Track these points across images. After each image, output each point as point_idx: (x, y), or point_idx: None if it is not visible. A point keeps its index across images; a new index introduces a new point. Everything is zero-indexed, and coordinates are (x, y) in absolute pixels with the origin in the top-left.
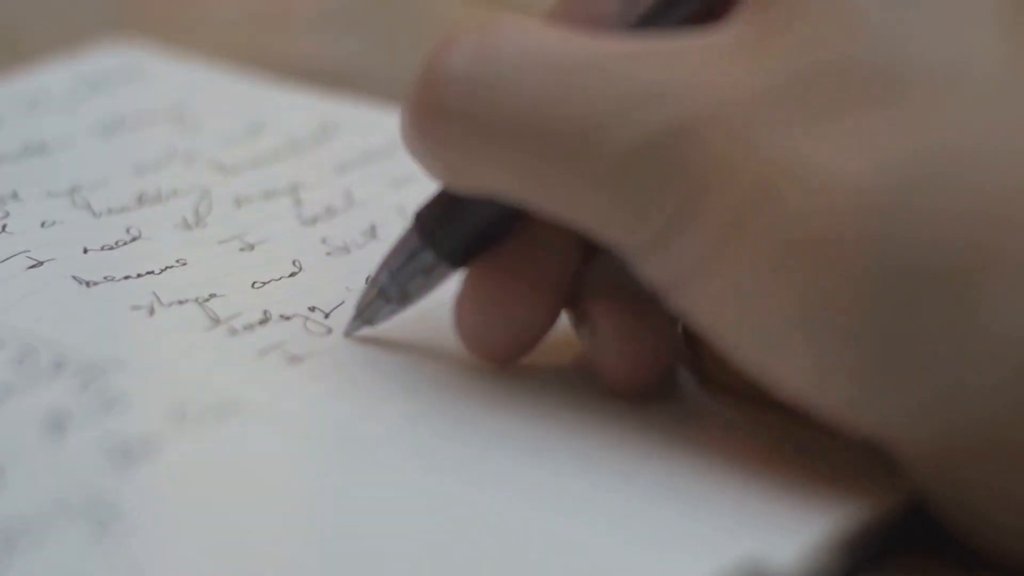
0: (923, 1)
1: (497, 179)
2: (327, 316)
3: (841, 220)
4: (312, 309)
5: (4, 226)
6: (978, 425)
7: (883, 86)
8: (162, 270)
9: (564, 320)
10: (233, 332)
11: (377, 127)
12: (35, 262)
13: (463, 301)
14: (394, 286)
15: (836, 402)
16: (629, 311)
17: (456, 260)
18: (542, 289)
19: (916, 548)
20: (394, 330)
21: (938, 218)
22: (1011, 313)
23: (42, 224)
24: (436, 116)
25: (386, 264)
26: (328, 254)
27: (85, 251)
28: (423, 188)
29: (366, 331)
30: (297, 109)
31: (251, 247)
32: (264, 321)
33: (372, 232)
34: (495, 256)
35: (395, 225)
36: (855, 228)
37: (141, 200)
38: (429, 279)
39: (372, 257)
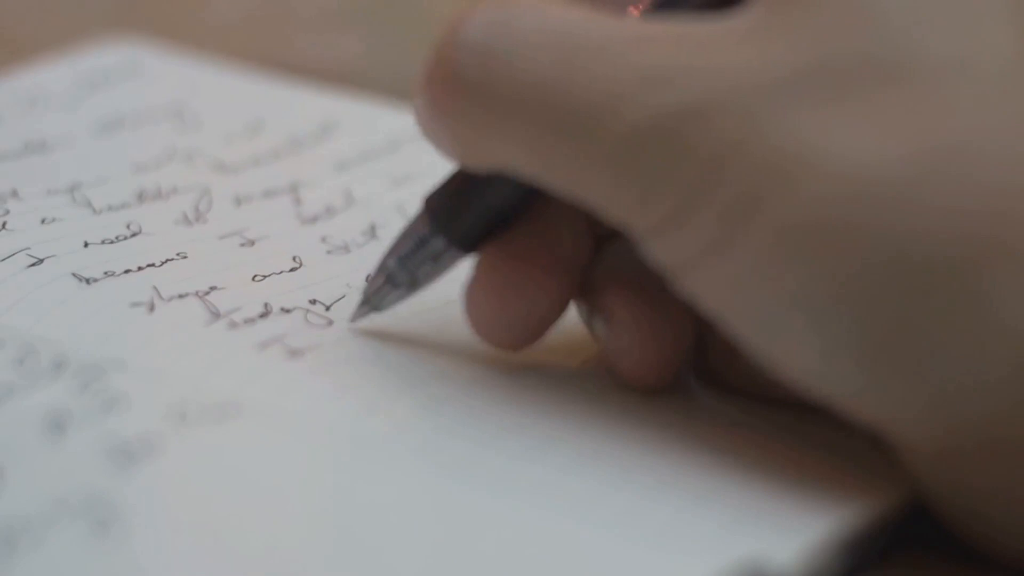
0: None
1: (508, 153)
2: (328, 309)
3: (849, 208)
4: (313, 302)
5: (4, 224)
6: (981, 422)
7: (895, 77)
8: (162, 263)
9: (571, 321)
10: (233, 325)
11: (377, 125)
12: (35, 260)
13: (474, 287)
14: (403, 272)
15: (840, 391)
16: (645, 300)
17: (466, 245)
18: (554, 273)
19: (916, 548)
20: (397, 324)
21: (946, 210)
22: (1017, 309)
23: (42, 221)
24: (449, 87)
25: (394, 250)
26: (328, 253)
27: (86, 244)
28: (423, 187)
29: (372, 317)
30: (297, 107)
31: (251, 243)
32: (264, 314)
33: (372, 231)
34: (506, 241)
35: (395, 224)
36: (863, 217)
37: (141, 197)
38: (438, 264)
39: (372, 256)
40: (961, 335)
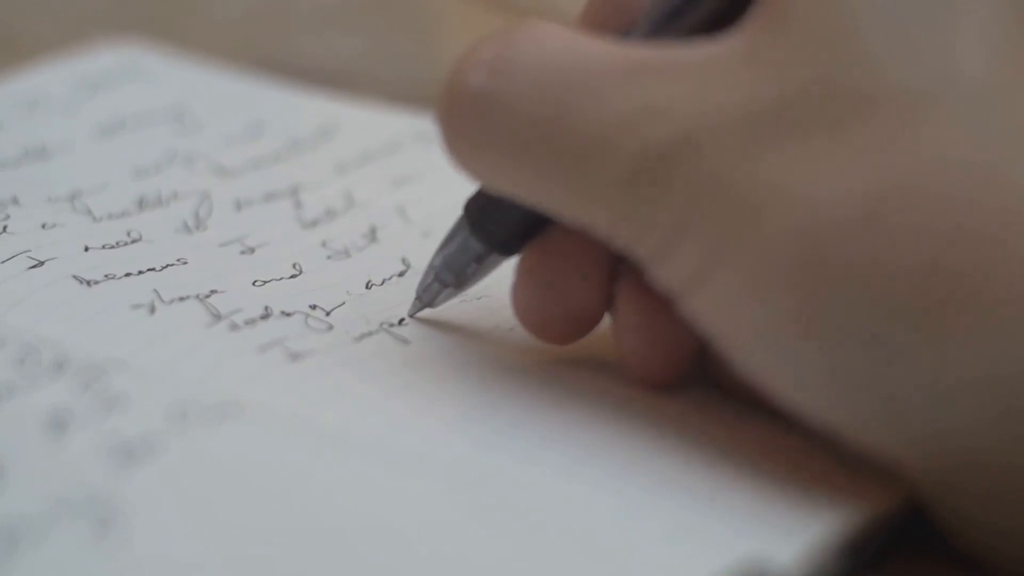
0: (913, 23)
1: (515, 187)
2: (328, 314)
3: (812, 244)
4: (313, 307)
5: (5, 227)
6: (963, 455)
7: (865, 110)
8: (163, 268)
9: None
10: (234, 327)
11: (377, 127)
12: (36, 262)
13: (519, 286)
14: (449, 272)
15: (820, 419)
16: (655, 300)
17: (506, 249)
18: (595, 269)
19: (916, 549)
20: (399, 330)
21: (914, 239)
22: (989, 345)
23: (43, 227)
24: (455, 130)
25: (441, 250)
26: (328, 258)
27: (86, 249)
28: (423, 188)
29: (427, 312)
30: (297, 109)
31: (251, 250)
32: (265, 316)
33: (372, 234)
34: (546, 241)
35: (395, 226)
36: (825, 253)
37: (141, 204)
38: (482, 266)
39: (372, 260)
40: (929, 381)
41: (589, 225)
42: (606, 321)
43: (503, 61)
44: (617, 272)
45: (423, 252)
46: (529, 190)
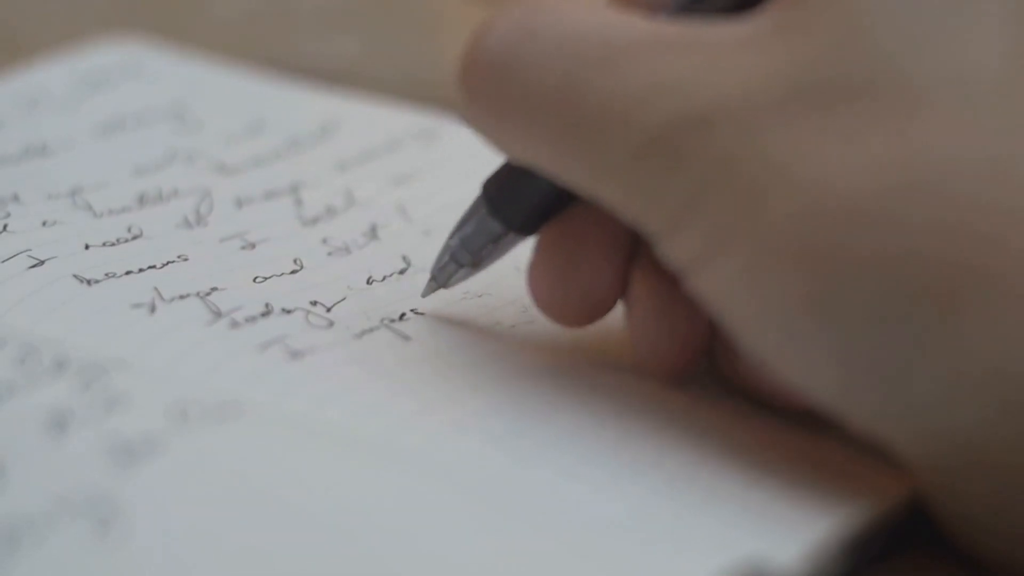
0: (928, 15)
1: (531, 155)
2: (328, 310)
3: (827, 225)
4: (314, 303)
5: (5, 226)
6: (969, 450)
7: (882, 97)
8: (163, 265)
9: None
10: (235, 325)
11: (377, 125)
12: (36, 261)
13: (535, 266)
14: (465, 253)
15: (826, 402)
16: (668, 289)
17: (523, 228)
18: (611, 252)
19: (917, 548)
20: (400, 326)
21: (920, 234)
22: (995, 342)
23: (43, 224)
24: (474, 94)
25: (458, 230)
26: (329, 255)
27: (87, 247)
28: (424, 186)
29: (441, 293)
30: (298, 107)
31: (252, 246)
32: (266, 314)
33: (373, 232)
34: (563, 222)
35: (396, 224)
36: (835, 236)
37: (142, 201)
38: (499, 246)
39: (373, 258)
40: (939, 372)
41: (601, 197)
42: (612, 318)
43: (524, 29)
44: (634, 256)
45: (424, 250)
46: (545, 158)
